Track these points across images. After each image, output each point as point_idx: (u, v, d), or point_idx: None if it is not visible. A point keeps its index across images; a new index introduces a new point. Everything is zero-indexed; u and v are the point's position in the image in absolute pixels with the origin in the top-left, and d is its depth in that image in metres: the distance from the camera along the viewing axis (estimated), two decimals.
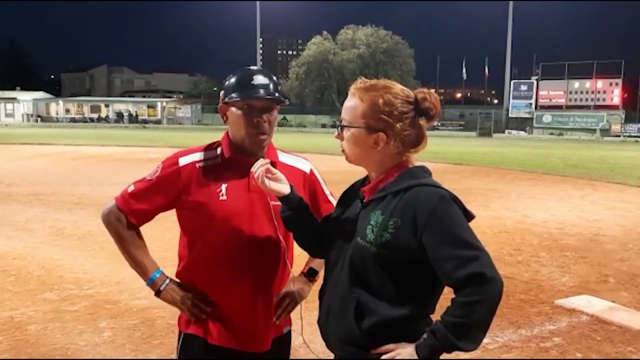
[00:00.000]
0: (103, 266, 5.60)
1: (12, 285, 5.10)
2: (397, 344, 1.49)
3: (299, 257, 2.07)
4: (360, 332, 1.53)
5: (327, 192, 2.09)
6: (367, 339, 1.53)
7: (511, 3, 52.36)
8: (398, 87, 1.60)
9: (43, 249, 6.40)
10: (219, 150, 1.91)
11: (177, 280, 1.94)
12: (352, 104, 1.60)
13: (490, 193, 11.56)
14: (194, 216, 1.86)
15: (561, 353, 3.88)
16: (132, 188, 1.89)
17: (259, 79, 1.84)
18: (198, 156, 1.89)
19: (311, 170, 2.05)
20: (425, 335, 1.44)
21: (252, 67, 1.92)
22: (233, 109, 1.83)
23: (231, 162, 1.88)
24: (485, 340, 3.94)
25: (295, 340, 2.12)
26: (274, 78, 1.88)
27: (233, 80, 1.86)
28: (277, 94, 1.85)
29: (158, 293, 1.89)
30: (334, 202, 2.05)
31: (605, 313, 4.60)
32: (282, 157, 1.98)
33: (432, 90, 1.62)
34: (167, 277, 1.91)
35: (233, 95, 1.82)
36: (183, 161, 1.87)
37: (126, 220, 1.87)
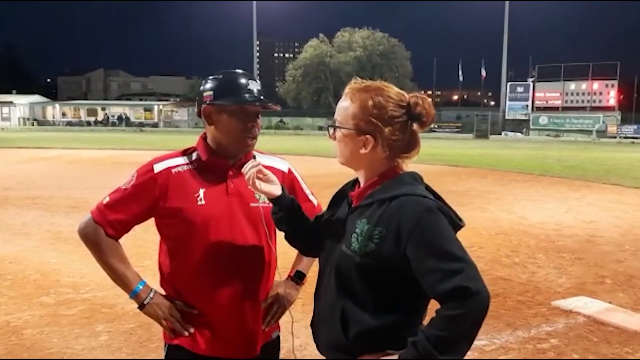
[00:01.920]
0: (99, 270, 5.51)
1: (8, 290, 5.08)
2: (382, 353, 1.48)
3: (286, 259, 2.07)
4: (346, 340, 1.52)
5: (306, 190, 2.07)
6: (354, 347, 1.51)
7: (507, 5, 52.49)
8: (393, 90, 1.56)
9: (39, 253, 6.39)
10: (194, 155, 1.89)
11: (162, 290, 1.90)
12: (344, 104, 1.58)
13: (487, 195, 11.57)
14: (173, 223, 1.83)
15: (558, 354, 3.89)
16: (107, 199, 1.85)
17: (253, 84, 1.84)
18: (173, 162, 1.87)
19: (289, 170, 2.04)
20: (408, 346, 1.40)
21: (239, 71, 1.90)
22: (224, 112, 1.81)
23: (208, 166, 1.86)
24: (482, 342, 3.96)
25: (292, 344, 2.11)
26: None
27: (223, 83, 1.84)
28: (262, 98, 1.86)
29: (142, 306, 1.85)
30: (314, 201, 2.06)
31: (602, 314, 4.60)
32: (260, 158, 1.94)
33: (426, 95, 1.58)
34: (151, 288, 1.87)
35: (228, 99, 1.80)
36: (158, 168, 1.84)
37: (104, 232, 1.83)
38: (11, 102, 59.44)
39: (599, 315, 4.57)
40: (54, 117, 60.04)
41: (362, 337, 1.50)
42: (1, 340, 3.95)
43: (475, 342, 4.21)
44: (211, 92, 1.83)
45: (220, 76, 1.86)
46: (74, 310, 4.56)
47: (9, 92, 62.50)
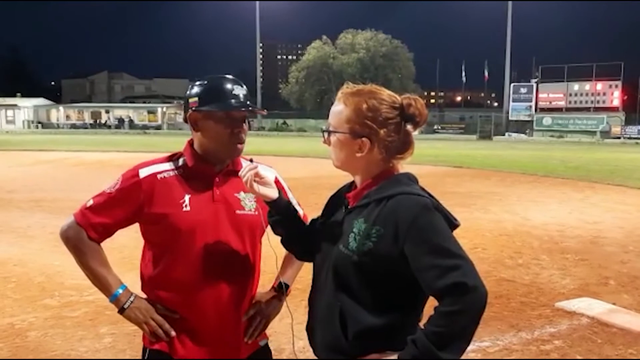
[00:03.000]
0: None
1: (12, 292, 5.11)
2: (381, 354, 1.49)
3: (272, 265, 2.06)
4: (345, 340, 1.52)
5: (293, 201, 2.04)
6: (352, 347, 1.52)
7: (510, 5, 52.43)
8: (385, 93, 1.59)
9: (43, 256, 6.41)
10: (181, 161, 1.88)
11: (143, 295, 1.88)
12: (338, 109, 1.60)
13: (490, 196, 11.55)
14: (157, 229, 1.81)
15: (562, 356, 3.88)
16: (90, 202, 1.84)
17: (238, 89, 1.82)
18: (159, 167, 1.85)
19: (276, 178, 2.02)
20: (407, 345, 1.40)
21: (226, 76, 1.87)
22: (210, 119, 1.80)
23: (194, 172, 1.84)
24: (485, 343, 3.96)
25: (292, 346, 2.11)
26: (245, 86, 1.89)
27: (209, 89, 1.82)
28: (248, 102, 1.85)
29: (122, 311, 1.82)
30: (301, 211, 2.01)
31: (605, 315, 4.60)
32: (246, 164, 1.90)
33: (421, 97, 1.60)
34: (131, 293, 1.84)
35: (214, 105, 1.79)
36: (143, 173, 1.83)
37: (86, 235, 1.81)
38: (15, 105, 59.63)
39: (602, 317, 4.56)
40: (58, 120, 60.25)
41: (362, 336, 1.51)
42: (6, 342, 3.97)
43: (479, 344, 4.19)
44: (197, 99, 1.81)
45: (206, 82, 1.84)
46: (78, 312, 4.58)
47: (14, 95, 62.65)
